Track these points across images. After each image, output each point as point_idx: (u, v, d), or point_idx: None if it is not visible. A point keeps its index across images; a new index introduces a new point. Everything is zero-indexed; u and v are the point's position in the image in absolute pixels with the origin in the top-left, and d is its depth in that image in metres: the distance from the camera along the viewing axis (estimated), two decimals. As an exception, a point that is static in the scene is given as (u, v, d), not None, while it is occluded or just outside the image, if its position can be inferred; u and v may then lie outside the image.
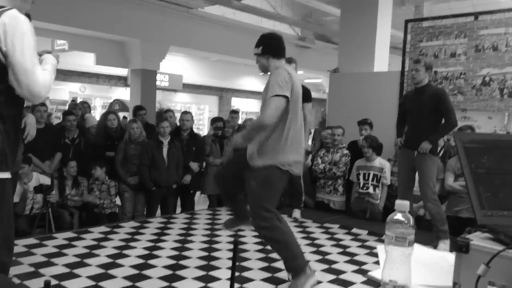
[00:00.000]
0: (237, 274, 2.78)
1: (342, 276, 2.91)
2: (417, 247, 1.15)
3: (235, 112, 7.16)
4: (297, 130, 2.69)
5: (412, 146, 3.96)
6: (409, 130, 4.14)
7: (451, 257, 1.39)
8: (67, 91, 12.80)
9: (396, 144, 4.42)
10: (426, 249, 1.31)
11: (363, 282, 2.80)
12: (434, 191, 3.90)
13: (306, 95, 4.82)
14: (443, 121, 3.92)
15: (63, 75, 11.67)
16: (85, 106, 6.76)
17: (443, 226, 3.74)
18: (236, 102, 16.65)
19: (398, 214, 1.11)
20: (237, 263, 3.02)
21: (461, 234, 1.17)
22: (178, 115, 6.19)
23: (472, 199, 1.08)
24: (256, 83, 16.17)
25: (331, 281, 2.82)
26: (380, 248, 1.22)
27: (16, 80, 1.82)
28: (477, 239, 1.03)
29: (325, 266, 3.08)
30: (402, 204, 1.11)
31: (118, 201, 5.27)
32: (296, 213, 4.52)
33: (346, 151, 5.27)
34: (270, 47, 2.76)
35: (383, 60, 6.71)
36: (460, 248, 1.00)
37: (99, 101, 13.71)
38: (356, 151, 5.25)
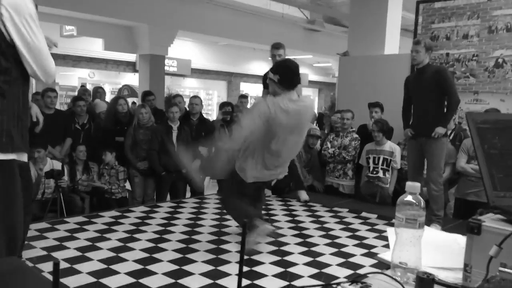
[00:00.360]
0: (246, 257, 2.79)
1: (351, 259, 2.90)
2: (427, 229, 1.14)
3: (244, 97, 7.14)
4: (273, 153, 2.97)
5: (421, 133, 3.93)
6: (415, 116, 4.11)
7: (462, 239, 1.38)
8: (76, 77, 12.86)
9: (405, 135, 4.38)
10: (436, 232, 1.30)
11: (372, 265, 2.80)
12: (441, 174, 3.90)
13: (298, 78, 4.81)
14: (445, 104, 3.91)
15: (72, 61, 11.71)
16: (100, 92, 6.79)
17: (439, 211, 3.77)
18: (245, 87, 16.60)
19: (408, 196, 1.09)
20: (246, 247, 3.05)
21: (469, 217, 1.16)
22: (187, 101, 6.19)
23: (484, 180, 1.06)
24: (265, 67, 16.06)
25: (340, 264, 2.82)
26: (390, 231, 1.21)
27: (32, 60, 1.82)
28: (489, 221, 1.01)
29: (334, 250, 3.07)
30: (413, 186, 1.09)
31: (128, 186, 5.31)
32: (303, 194, 4.51)
33: (355, 135, 5.23)
34: (286, 78, 2.93)
35: (394, 42, 6.62)
36: (472, 229, 0.99)
37: (108, 86, 13.75)
38: (365, 135, 5.21)
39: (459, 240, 1.38)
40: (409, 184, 1.12)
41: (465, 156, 4.44)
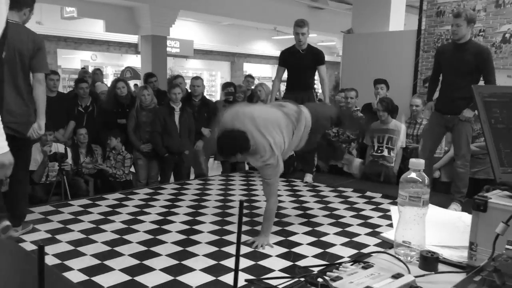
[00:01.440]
0: (249, 238, 2.79)
1: (355, 239, 2.89)
2: (432, 208, 1.11)
3: (251, 77, 7.07)
4: None
5: (447, 110, 3.76)
6: (444, 92, 3.87)
7: (467, 217, 1.35)
8: (78, 60, 12.79)
9: (428, 108, 4.13)
10: (441, 210, 1.27)
11: (376, 244, 2.78)
12: (469, 151, 3.80)
13: (319, 58, 4.72)
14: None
15: (73, 43, 11.64)
16: (97, 73, 6.73)
17: (463, 188, 3.69)
18: (248, 68, 16.46)
19: (412, 173, 1.06)
20: (251, 227, 3.04)
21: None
22: (188, 82, 6.13)
23: (491, 155, 1.03)
24: (268, 47, 15.92)
25: (344, 244, 2.81)
26: (393, 209, 1.18)
27: None
28: (496, 197, 0.98)
29: (338, 229, 3.07)
30: (417, 162, 1.06)
31: (132, 168, 5.31)
32: (308, 177, 4.50)
33: (360, 114, 5.17)
34: None
35: (398, 19, 6.50)
36: (478, 206, 0.96)
37: (110, 69, 13.70)
38: (370, 114, 5.15)
39: (464, 218, 1.35)
40: (413, 160, 1.08)
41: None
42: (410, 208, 1.08)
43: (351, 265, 0.96)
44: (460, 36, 3.65)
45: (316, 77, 4.90)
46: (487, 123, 1.09)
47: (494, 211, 0.97)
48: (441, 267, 1.06)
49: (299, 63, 4.66)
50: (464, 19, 3.60)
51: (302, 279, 0.97)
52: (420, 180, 1.07)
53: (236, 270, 0.79)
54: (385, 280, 0.87)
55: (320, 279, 0.87)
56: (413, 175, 1.08)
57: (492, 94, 1.15)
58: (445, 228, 1.27)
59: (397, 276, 0.89)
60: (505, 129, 1.11)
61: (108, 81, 12.17)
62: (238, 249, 0.80)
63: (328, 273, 0.92)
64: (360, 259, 0.96)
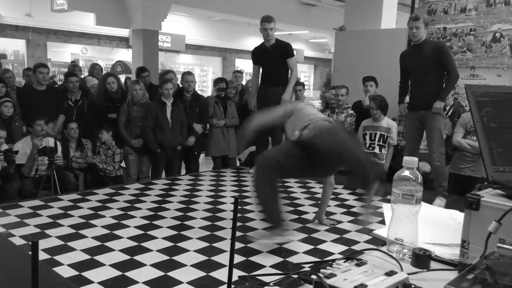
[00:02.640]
0: (240, 234, 2.79)
1: (346, 236, 2.91)
2: (424, 205, 1.12)
3: (239, 72, 7.05)
4: None
5: (419, 106, 3.94)
6: (414, 90, 4.10)
7: (458, 215, 1.36)
8: (68, 53, 12.66)
9: (400, 111, 4.38)
10: (432, 208, 1.28)
11: (367, 241, 2.80)
12: (442, 144, 3.92)
13: (288, 51, 4.75)
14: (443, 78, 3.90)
15: (63, 36, 11.51)
16: (97, 68, 6.69)
17: (443, 182, 3.80)
18: (240, 63, 16.43)
19: (405, 171, 1.06)
20: (242, 223, 3.04)
21: (463, 193, 1.13)
22: (179, 77, 6.09)
23: (483, 154, 1.03)
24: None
25: (334, 240, 2.82)
26: (386, 207, 1.19)
27: None
28: (488, 196, 0.99)
29: (329, 226, 3.08)
30: (410, 160, 1.06)
31: (122, 163, 5.28)
32: None
33: (351, 111, 5.19)
34: None
35: (390, 17, 6.52)
36: (471, 205, 0.96)
37: (101, 63, 13.56)
38: (360, 111, 5.17)
39: (455, 216, 1.36)
40: (406, 158, 1.08)
41: (462, 131, 4.42)
42: (403, 206, 1.09)
43: (344, 262, 0.96)
44: (419, 37, 3.93)
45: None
46: (479, 122, 1.10)
47: (486, 210, 0.98)
48: (433, 264, 1.07)
49: (268, 59, 4.72)
50: (422, 21, 3.89)
51: (296, 276, 0.97)
52: (414, 178, 1.07)
53: (230, 267, 0.79)
54: (378, 278, 0.88)
55: (314, 276, 0.87)
56: (406, 173, 1.08)
57: (484, 93, 1.16)
58: (436, 226, 1.28)
59: (390, 273, 0.89)
60: (498, 128, 1.12)
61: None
62: (232, 246, 0.80)
63: (321, 270, 0.92)
64: (353, 256, 0.96)
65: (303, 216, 3.27)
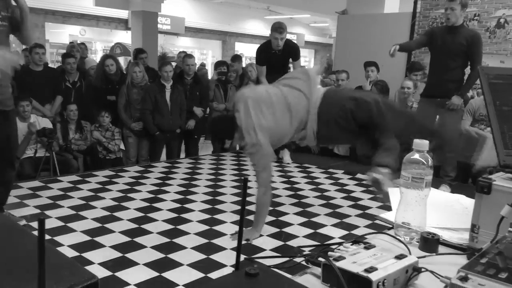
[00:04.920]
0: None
1: (346, 220, 2.91)
2: (431, 190, 1.10)
3: (236, 59, 6.96)
4: None
5: (437, 93, 3.77)
6: (434, 74, 3.88)
7: (465, 200, 1.35)
8: (67, 34, 12.51)
9: (390, 51, 3.97)
10: (439, 192, 1.27)
11: (367, 226, 2.81)
12: (457, 138, 3.83)
13: (296, 54, 4.66)
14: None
15: (62, 17, 11.36)
16: (83, 48, 6.57)
17: (452, 172, 3.74)
18: (240, 47, 16.27)
19: (415, 154, 1.04)
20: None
21: (468, 180, 1.10)
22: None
23: (495, 138, 1.02)
24: (260, 26, 15.73)
25: (335, 225, 2.83)
26: (392, 191, 1.18)
27: None
28: (500, 180, 0.97)
29: (329, 210, 3.08)
30: (420, 143, 1.04)
31: (122, 146, 5.25)
32: (286, 154, 4.48)
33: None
34: None
35: (393, 1, 6.43)
36: (482, 188, 0.95)
37: (100, 44, 13.43)
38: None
39: (462, 201, 1.34)
40: (416, 141, 1.06)
41: (470, 118, 4.30)
42: (412, 190, 1.07)
43: (351, 245, 0.95)
44: (454, 20, 3.66)
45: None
46: (492, 105, 1.08)
47: (498, 194, 0.96)
48: (441, 248, 1.05)
49: (276, 62, 4.62)
50: (458, 3, 3.62)
51: (302, 258, 0.96)
52: (424, 161, 1.05)
53: (238, 249, 0.77)
54: (388, 261, 0.86)
55: (322, 259, 0.86)
56: (416, 156, 1.06)
57: (497, 75, 1.14)
58: (443, 210, 1.26)
59: (400, 256, 0.88)
60: (510, 111, 1.10)
61: (98, 57, 11.95)
62: (241, 227, 0.78)
63: (329, 253, 0.90)
64: (360, 239, 0.95)
65: (303, 201, 3.27)
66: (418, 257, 0.90)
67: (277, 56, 4.54)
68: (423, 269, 0.86)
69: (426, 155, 1.03)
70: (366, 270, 0.79)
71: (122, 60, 8.20)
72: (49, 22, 11.47)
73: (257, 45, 5.00)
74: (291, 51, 4.58)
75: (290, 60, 4.63)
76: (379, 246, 0.92)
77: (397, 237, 1.08)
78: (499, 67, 3.10)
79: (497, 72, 1.08)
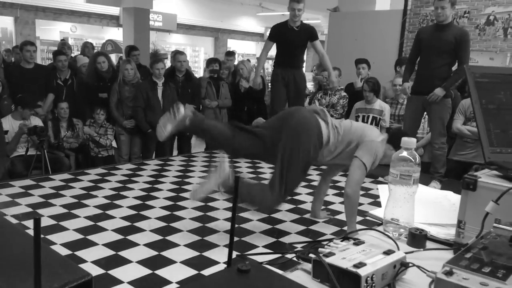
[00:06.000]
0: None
1: (337, 217, 2.93)
2: (420, 186, 1.13)
3: (230, 54, 6.98)
4: None
5: (424, 89, 3.81)
6: (422, 72, 3.94)
7: (453, 196, 1.38)
8: (57, 31, 12.42)
9: (403, 91, 4.10)
10: (427, 188, 1.30)
11: (359, 222, 2.83)
12: (444, 133, 3.87)
13: (313, 34, 4.65)
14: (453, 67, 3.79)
15: (52, 13, 11.28)
16: (89, 47, 6.57)
17: (441, 169, 3.78)
18: (232, 44, 16.26)
19: (403, 151, 1.07)
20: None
21: (462, 177, 1.12)
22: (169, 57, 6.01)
23: (481, 135, 1.04)
24: (252, 23, 15.72)
25: (327, 221, 2.85)
26: (381, 188, 1.20)
27: None
28: (485, 177, 1.00)
29: (321, 207, 3.10)
30: (408, 141, 1.06)
31: (114, 144, 5.25)
32: None
33: (343, 93, 5.19)
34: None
35: (385, -2, 6.48)
36: (468, 185, 0.97)
37: (91, 41, 13.33)
38: (353, 93, 5.17)
39: (450, 197, 1.37)
40: (404, 139, 1.09)
41: (462, 118, 4.36)
42: (401, 186, 1.09)
43: (341, 241, 0.97)
44: (444, 18, 3.72)
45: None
46: (478, 103, 1.10)
47: (483, 190, 0.99)
48: (428, 244, 1.08)
49: (293, 40, 4.53)
50: (448, 1, 3.66)
51: (293, 255, 0.98)
52: (411, 158, 1.07)
53: (230, 246, 0.78)
54: (377, 256, 0.88)
55: (312, 255, 0.88)
56: (404, 153, 1.08)
57: (483, 74, 1.16)
58: (431, 206, 1.29)
59: (388, 252, 0.90)
60: (496, 109, 1.13)
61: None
62: (233, 223, 0.79)
63: (319, 249, 0.92)
64: (350, 236, 0.97)
65: (296, 198, 3.29)
66: (406, 253, 0.93)
67: (294, 33, 4.44)
68: (410, 264, 0.88)
69: (413, 153, 1.05)
70: (355, 266, 0.81)
71: (113, 57, 8.16)
72: (40, 19, 11.39)
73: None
74: (308, 30, 4.53)
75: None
76: (368, 242, 0.94)
77: (386, 233, 1.11)
78: (485, 66, 3.15)
79: (483, 71, 1.11)
